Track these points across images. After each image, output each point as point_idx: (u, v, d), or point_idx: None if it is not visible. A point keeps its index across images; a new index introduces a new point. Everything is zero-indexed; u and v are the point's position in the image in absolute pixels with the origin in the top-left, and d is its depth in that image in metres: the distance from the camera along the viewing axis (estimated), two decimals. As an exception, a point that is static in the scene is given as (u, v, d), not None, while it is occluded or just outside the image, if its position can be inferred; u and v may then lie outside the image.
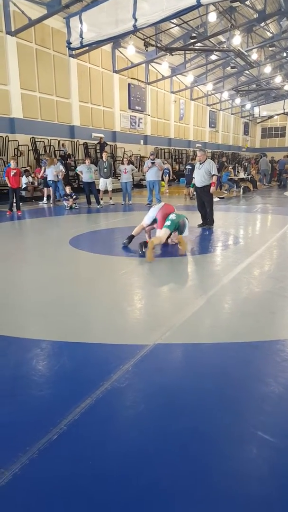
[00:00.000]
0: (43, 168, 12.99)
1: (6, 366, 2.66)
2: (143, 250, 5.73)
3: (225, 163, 17.64)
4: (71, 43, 15.33)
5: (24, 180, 14.02)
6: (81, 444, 1.88)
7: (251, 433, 1.96)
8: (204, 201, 8.01)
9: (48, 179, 12.73)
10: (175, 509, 1.55)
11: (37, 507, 1.56)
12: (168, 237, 5.98)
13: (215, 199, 13.78)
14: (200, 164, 7.86)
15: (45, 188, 13.33)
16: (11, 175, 10.09)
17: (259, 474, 1.73)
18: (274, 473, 1.74)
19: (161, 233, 5.94)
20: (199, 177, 7.83)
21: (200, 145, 31.55)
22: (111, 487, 1.64)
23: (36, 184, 14.49)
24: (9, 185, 10.35)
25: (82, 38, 14.74)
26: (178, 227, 5.95)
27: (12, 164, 10.24)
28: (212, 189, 7.80)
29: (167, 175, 17.58)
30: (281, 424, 2.05)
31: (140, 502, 1.58)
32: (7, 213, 10.39)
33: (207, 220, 8.06)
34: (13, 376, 2.51)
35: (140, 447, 1.88)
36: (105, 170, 12.36)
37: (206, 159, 7.88)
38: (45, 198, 13.33)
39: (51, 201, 12.82)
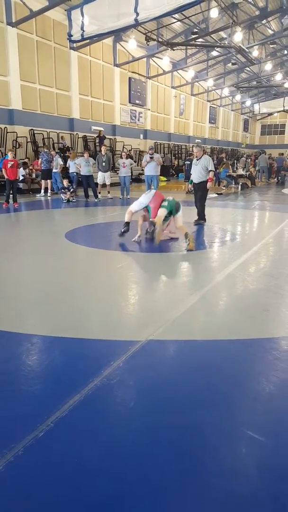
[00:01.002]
0: (40, 160, 12.89)
1: (-4, 360, 2.63)
2: (123, 231, 6.39)
3: (224, 159, 17.57)
4: (72, 36, 15.19)
5: (21, 172, 13.92)
6: (68, 441, 1.85)
7: (240, 431, 1.94)
8: (196, 195, 8.06)
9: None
10: (165, 503, 1.52)
11: (22, 504, 1.53)
12: (166, 224, 6.10)
13: (213, 195, 13.82)
14: (197, 160, 7.84)
15: (43, 181, 13.23)
16: (8, 166, 10.00)
17: (247, 471, 1.71)
18: (262, 471, 1.72)
19: (160, 213, 5.98)
20: (196, 173, 7.83)
21: (199, 140, 31.47)
22: (99, 484, 1.62)
23: (33, 176, 14.39)
24: (6, 177, 10.27)
25: (83, 31, 14.61)
26: (173, 209, 6.01)
27: (10, 155, 10.15)
28: (209, 184, 7.79)
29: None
30: (271, 423, 2.03)
31: (129, 497, 1.55)
32: (4, 205, 10.31)
33: (199, 216, 8.08)
34: (1, 371, 2.48)
35: (129, 444, 1.85)
36: (104, 163, 12.29)
37: (202, 155, 7.86)
38: (42, 191, 13.24)
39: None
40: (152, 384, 2.34)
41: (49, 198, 12.87)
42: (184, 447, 1.84)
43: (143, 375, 2.45)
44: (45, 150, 13.14)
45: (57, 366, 2.53)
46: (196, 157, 7.87)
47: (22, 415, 2.04)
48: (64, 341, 2.89)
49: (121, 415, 2.07)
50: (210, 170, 7.71)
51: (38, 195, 13.24)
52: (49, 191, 13.21)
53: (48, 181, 13.13)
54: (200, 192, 7.91)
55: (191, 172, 8.20)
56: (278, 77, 27.81)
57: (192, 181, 8.13)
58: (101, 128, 19.73)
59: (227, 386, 2.35)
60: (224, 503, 1.55)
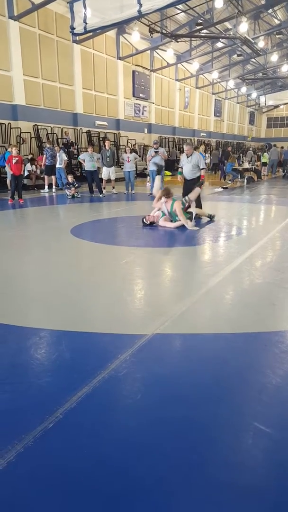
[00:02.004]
0: (44, 156, 12.88)
1: (4, 354, 2.67)
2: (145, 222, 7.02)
3: (230, 152, 17.45)
4: (74, 29, 15.07)
5: (28, 167, 13.95)
6: (77, 433, 1.88)
7: (247, 424, 1.96)
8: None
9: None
10: (172, 497, 1.55)
11: (32, 495, 1.56)
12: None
13: (218, 189, 13.76)
14: (188, 157, 7.90)
15: (46, 177, 13.25)
16: (13, 162, 10.01)
17: (255, 464, 1.72)
18: (269, 463, 1.74)
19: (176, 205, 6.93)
20: (188, 171, 7.93)
21: (205, 134, 31.27)
22: (107, 476, 1.64)
23: (38, 172, 14.41)
24: (10, 172, 10.28)
25: (86, 24, 14.48)
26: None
27: (14, 151, 10.14)
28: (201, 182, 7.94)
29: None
30: (278, 415, 2.04)
31: (136, 489, 1.58)
32: (9, 201, 10.35)
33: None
34: (11, 364, 2.51)
35: (136, 436, 1.88)
36: (108, 159, 12.26)
37: (193, 152, 7.94)
38: (46, 187, 13.26)
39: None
40: (159, 377, 2.37)
41: (53, 194, 12.90)
42: (191, 440, 1.86)
43: (150, 368, 2.47)
44: (48, 145, 13.12)
45: (65, 359, 2.56)
46: (187, 154, 7.93)
47: (32, 407, 2.07)
48: (71, 335, 2.92)
49: (128, 407, 2.09)
50: (202, 168, 7.84)
51: (42, 191, 13.27)
52: (53, 187, 13.23)
53: (52, 176, 13.13)
54: (192, 188, 7.96)
55: (180, 166, 8.33)
56: (285, 68, 27.41)
57: (181, 172, 8.25)
58: (105, 123, 19.68)
59: (234, 379, 2.37)
60: (231, 495, 1.57)
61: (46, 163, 12.83)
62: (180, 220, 6.87)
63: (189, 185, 7.98)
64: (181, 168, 8.23)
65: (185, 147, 8.11)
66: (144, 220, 7.05)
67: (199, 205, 7.96)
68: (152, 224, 7.02)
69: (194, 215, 7.16)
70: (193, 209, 7.27)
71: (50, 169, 12.95)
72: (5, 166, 10.89)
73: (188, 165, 7.88)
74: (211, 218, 7.68)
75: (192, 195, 7.29)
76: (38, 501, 1.54)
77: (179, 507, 1.51)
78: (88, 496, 1.55)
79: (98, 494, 1.56)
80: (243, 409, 2.09)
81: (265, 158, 21.21)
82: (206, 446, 1.82)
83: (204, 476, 1.65)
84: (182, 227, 6.82)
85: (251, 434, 1.89)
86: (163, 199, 7.02)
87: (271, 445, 1.84)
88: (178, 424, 1.95)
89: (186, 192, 7.99)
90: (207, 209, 8.20)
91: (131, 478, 1.64)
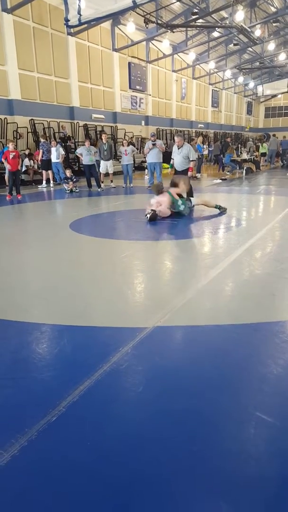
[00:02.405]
0: (41, 151, 12.82)
1: (6, 349, 2.68)
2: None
3: (229, 143, 17.34)
4: (69, 21, 14.95)
5: (26, 162, 13.90)
6: (80, 426, 1.90)
7: (249, 414, 1.97)
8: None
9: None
10: (175, 488, 1.56)
11: (36, 489, 1.58)
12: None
13: (217, 181, 13.72)
14: (179, 148, 7.96)
15: (44, 172, 13.20)
16: (10, 157, 9.95)
17: (257, 453, 1.74)
18: (272, 452, 1.75)
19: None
20: (178, 162, 8.01)
21: (202, 125, 31.08)
22: (110, 468, 1.66)
23: (36, 167, 14.35)
24: (8, 168, 10.23)
25: (81, 15, 14.36)
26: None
27: (11, 146, 10.07)
28: (190, 173, 8.04)
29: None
30: (279, 405, 2.06)
31: (139, 481, 1.59)
32: (7, 197, 10.32)
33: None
34: (13, 359, 2.53)
35: (138, 428, 1.89)
36: (105, 152, 12.19)
37: (183, 144, 8.02)
38: (44, 182, 13.22)
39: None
40: (160, 369, 2.38)
41: (51, 188, 12.85)
42: (193, 431, 1.87)
43: (151, 360, 2.48)
44: (43, 140, 13.04)
45: (66, 353, 2.57)
46: (178, 146, 7.98)
47: (35, 401, 2.08)
48: (72, 329, 2.93)
49: (130, 399, 2.11)
50: (192, 160, 7.94)
51: (40, 186, 13.22)
52: (51, 181, 13.18)
53: (49, 171, 13.09)
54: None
55: (172, 157, 8.41)
56: (282, 56, 27.16)
57: (172, 165, 8.37)
58: (102, 116, 19.55)
59: (235, 370, 2.38)
60: (234, 484, 1.58)
61: (43, 158, 12.77)
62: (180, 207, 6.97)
63: (179, 176, 8.04)
64: (173, 159, 8.31)
65: (176, 139, 8.16)
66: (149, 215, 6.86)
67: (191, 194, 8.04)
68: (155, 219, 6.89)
69: (192, 204, 7.24)
70: (194, 200, 7.38)
71: (47, 164, 12.90)
72: (2, 162, 10.83)
73: (179, 157, 7.95)
74: (220, 209, 7.44)
75: (185, 188, 7.35)
76: (41, 494, 1.55)
77: (182, 497, 1.53)
78: (91, 488, 1.56)
79: (101, 486, 1.57)
80: (245, 399, 2.10)
81: (264, 148, 21.12)
82: (208, 436, 1.84)
83: (206, 467, 1.66)
84: (179, 217, 6.85)
85: (253, 424, 1.91)
86: (158, 196, 7.07)
87: (273, 435, 1.85)
88: (180, 416, 1.97)
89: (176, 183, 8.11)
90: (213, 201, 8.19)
91: (134, 469, 1.65)
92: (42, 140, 13.06)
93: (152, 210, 6.82)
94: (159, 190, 7.16)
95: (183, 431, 1.86)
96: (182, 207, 7.02)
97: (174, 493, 1.54)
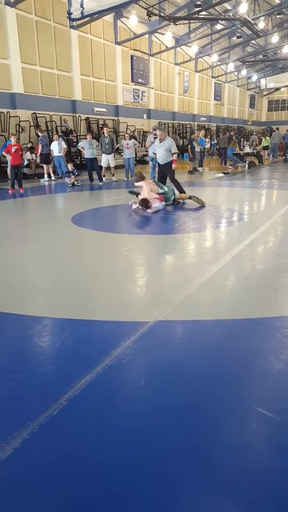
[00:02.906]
0: (40, 145, 12.75)
1: (8, 342, 2.69)
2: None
3: (233, 137, 17.21)
4: (71, 14, 14.87)
5: (27, 156, 13.86)
6: (82, 419, 1.91)
7: (251, 409, 1.97)
8: (167, 176, 8.34)
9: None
10: (176, 482, 1.57)
11: (37, 481, 1.59)
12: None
13: (219, 175, 13.66)
14: (160, 142, 8.11)
15: (45, 166, 13.16)
16: (13, 151, 9.92)
17: (259, 449, 1.74)
18: (273, 448, 1.76)
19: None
20: (160, 155, 8.14)
21: (205, 118, 30.87)
22: (111, 461, 1.67)
23: (38, 161, 14.29)
24: (10, 161, 10.20)
25: (83, 8, 14.28)
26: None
27: (13, 140, 10.03)
28: (174, 166, 8.12)
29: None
30: (281, 400, 2.06)
31: (141, 475, 1.60)
32: (10, 191, 10.30)
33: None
34: (15, 353, 2.54)
35: (140, 422, 1.90)
36: (107, 146, 12.12)
37: (165, 137, 8.17)
38: (46, 175, 13.20)
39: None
40: (161, 364, 2.38)
41: (53, 182, 12.83)
42: (194, 425, 1.87)
43: (152, 354, 2.48)
44: (41, 134, 12.97)
45: (68, 346, 2.58)
46: (160, 139, 8.14)
47: (36, 394, 2.09)
48: (73, 323, 2.93)
49: (132, 393, 2.11)
50: (174, 153, 8.07)
51: (42, 180, 13.21)
52: (52, 175, 13.16)
53: (50, 165, 13.08)
54: (169, 173, 8.25)
55: (154, 152, 8.64)
56: (286, 49, 26.81)
57: (153, 159, 8.69)
58: (104, 109, 19.44)
59: (237, 364, 2.38)
60: (235, 479, 1.59)
61: (42, 152, 12.73)
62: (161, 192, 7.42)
63: (162, 169, 8.33)
64: (154, 154, 8.53)
65: (158, 132, 8.34)
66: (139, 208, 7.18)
67: (180, 188, 8.22)
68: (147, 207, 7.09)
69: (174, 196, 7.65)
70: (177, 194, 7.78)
71: (46, 158, 12.89)
72: (5, 156, 10.82)
73: (161, 150, 8.10)
74: (190, 198, 7.81)
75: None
76: (43, 487, 1.56)
77: (183, 491, 1.53)
78: (93, 482, 1.57)
79: (103, 479, 1.58)
80: (246, 394, 2.10)
81: (266, 141, 21.00)
82: (210, 431, 1.84)
83: (207, 461, 1.67)
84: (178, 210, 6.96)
85: (254, 419, 1.91)
86: (142, 183, 7.37)
87: (274, 430, 1.85)
88: (181, 410, 1.97)
89: (161, 175, 8.38)
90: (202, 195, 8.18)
91: (135, 463, 1.66)
92: (40, 134, 13.00)
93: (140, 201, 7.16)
94: (142, 176, 7.60)
95: (184, 426, 1.86)
96: (165, 189, 7.40)
97: (175, 487, 1.55)
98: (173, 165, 8.11)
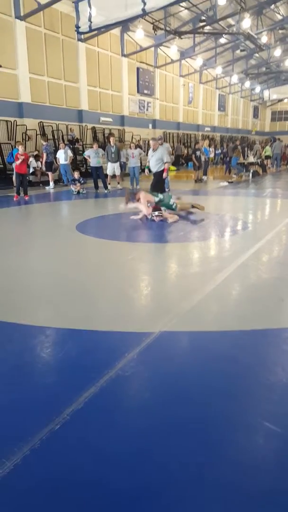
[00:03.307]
0: (45, 153, 12.84)
1: (11, 353, 2.64)
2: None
3: (238, 146, 17.25)
4: (79, 27, 15.18)
5: (33, 164, 13.96)
6: (84, 434, 1.85)
7: (258, 423, 1.91)
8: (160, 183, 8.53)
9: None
10: (182, 497, 1.51)
11: (38, 498, 1.53)
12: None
13: (224, 184, 13.67)
14: (153, 151, 8.41)
15: (50, 173, 13.23)
16: (20, 161, 9.95)
17: (266, 464, 1.68)
18: (281, 463, 1.69)
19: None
20: (153, 164, 8.44)
21: (209, 128, 31.04)
22: (115, 476, 1.61)
23: (44, 168, 14.37)
24: (16, 169, 10.23)
25: (91, 22, 14.56)
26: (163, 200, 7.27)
27: (20, 149, 10.09)
28: (164, 174, 8.43)
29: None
30: (289, 415, 1.99)
31: (145, 490, 1.55)
32: (15, 198, 10.33)
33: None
34: (16, 364, 2.49)
35: (144, 436, 1.84)
36: (113, 155, 12.20)
37: (158, 147, 8.48)
38: (52, 183, 13.29)
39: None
40: (166, 376, 2.32)
41: (52, 190, 12.90)
42: (200, 439, 1.82)
43: (157, 366, 2.43)
44: (45, 142, 13.06)
45: (71, 358, 2.53)
46: (153, 149, 8.44)
47: (38, 407, 2.04)
48: (77, 333, 2.89)
49: (136, 407, 2.06)
50: (166, 162, 8.34)
51: (47, 187, 13.29)
52: (51, 183, 13.28)
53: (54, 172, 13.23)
54: (155, 179, 8.53)
55: (148, 160, 8.83)
56: (288, 62, 27.17)
57: (148, 167, 8.80)
58: (110, 119, 19.61)
59: (243, 377, 2.32)
60: (242, 495, 1.53)
61: (47, 160, 12.85)
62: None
63: (154, 177, 8.56)
64: (148, 162, 8.67)
65: (151, 142, 8.63)
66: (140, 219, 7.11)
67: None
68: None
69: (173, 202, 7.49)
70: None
71: (50, 166, 12.99)
72: (13, 163, 10.88)
73: (153, 159, 8.38)
74: (194, 207, 7.67)
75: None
76: (45, 504, 1.51)
77: (188, 508, 1.47)
78: (96, 497, 1.51)
79: (106, 495, 1.52)
80: (253, 408, 2.04)
81: (267, 151, 21.09)
82: (216, 445, 1.78)
83: (213, 477, 1.61)
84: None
85: (261, 434, 1.85)
86: (141, 194, 7.21)
87: (282, 445, 1.79)
88: (186, 424, 1.91)
89: (153, 183, 8.55)
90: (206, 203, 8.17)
91: (140, 478, 1.60)
92: (44, 142, 13.08)
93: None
94: (134, 195, 7.42)
95: (189, 440, 1.81)
96: (160, 196, 7.25)
97: (180, 503, 1.49)
98: (164, 174, 8.37)
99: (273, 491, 1.56)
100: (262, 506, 1.49)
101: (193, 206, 7.69)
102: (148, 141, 21.60)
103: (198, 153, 14.16)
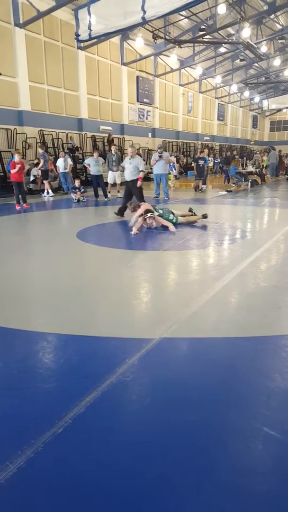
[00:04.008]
0: (42, 161, 12.89)
1: (12, 358, 2.68)
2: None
3: (235, 156, 17.44)
4: (79, 35, 15.28)
5: (33, 172, 14.03)
6: (86, 438, 1.88)
7: (256, 429, 1.95)
8: (132, 193, 8.53)
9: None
10: (182, 502, 1.54)
11: (42, 500, 1.56)
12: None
13: (223, 193, 13.77)
14: (130, 159, 8.38)
15: (46, 181, 13.20)
16: (16, 169, 9.91)
17: (265, 469, 1.72)
18: (280, 468, 1.73)
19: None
20: (129, 172, 8.38)
21: (208, 137, 31.31)
22: (116, 481, 1.64)
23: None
24: (13, 177, 10.16)
25: (91, 30, 14.67)
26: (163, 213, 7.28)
27: (17, 158, 9.99)
28: (139, 183, 8.41)
29: (173, 169, 17.65)
30: (287, 420, 2.03)
31: (146, 495, 1.58)
32: (17, 206, 10.33)
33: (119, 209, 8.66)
34: (19, 369, 2.52)
35: (145, 441, 1.88)
36: (114, 163, 12.30)
37: (135, 155, 8.48)
38: (50, 191, 13.23)
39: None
40: (167, 382, 2.36)
41: (51, 198, 12.91)
42: (200, 445, 1.85)
43: (158, 372, 2.47)
44: (42, 150, 13.10)
45: (73, 363, 2.57)
46: (131, 156, 8.41)
47: (41, 412, 2.07)
48: (78, 339, 2.93)
49: (137, 412, 2.09)
50: (141, 171, 8.34)
51: (43, 195, 13.22)
52: (50, 190, 13.31)
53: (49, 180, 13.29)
54: (135, 190, 8.46)
55: (123, 166, 8.72)
56: (287, 72, 27.50)
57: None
58: (110, 128, 19.76)
59: (242, 383, 2.36)
60: (242, 501, 1.56)
61: (42, 168, 12.86)
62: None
63: (129, 185, 8.51)
64: (122, 169, 8.63)
65: (130, 149, 8.61)
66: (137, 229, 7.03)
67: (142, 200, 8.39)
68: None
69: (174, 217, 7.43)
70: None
71: (47, 174, 13.04)
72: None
73: (130, 167, 8.34)
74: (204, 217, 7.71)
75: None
76: (48, 507, 1.54)
77: (188, 511, 1.51)
78: (98, 501, 1.54)
79: (107, 498, 1.56)
80: (252, 414, 2.08)
81: (265, 161, 21.35)
82: (215, 451, 1.82)
83: (213, 482, 1.64)
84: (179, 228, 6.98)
85: (260, 440, 1.89)
86: (138, 212, 7.23)
87: (280, 450, 1.83)
88: (186, 429, 1.95)
89: (127, 192, 8.57)
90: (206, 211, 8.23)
91: (140, 483, 1.63)
92: (41, 150, 13.11)
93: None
94: (134, 207, 7.47)
95: (190, 445, 1.84)
96: (160, 211, 7.29)
97: (180, 507, 1.52)
98: (139, 183, 8.37)
99: (271, 495, 1.59)
100: (261, 510, 1.53)
101: (194, 214, 7.78)
102: (148, 150, 21.92)
103: (201, 162, 14.29)
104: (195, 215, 7.82)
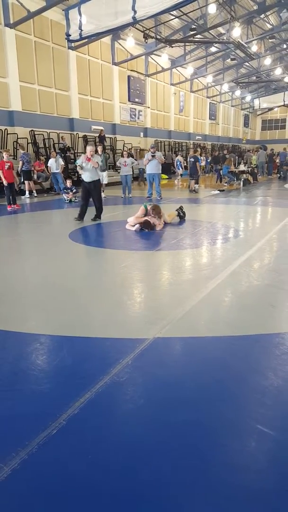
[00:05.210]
0: (21, 162, 12.73)
1: (5, 360, 2.66)
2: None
3: (226, 156, 17.51)
4: (70, 35, 15.20)
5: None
6: (81, 439, 1.88)
7: (250, 426, 1.96)
8: (91, 196, 8.17)
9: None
10: (177, 500, 1.55)
11: (36, 502, 1.56)
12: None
13: (215, 192, 13.81)
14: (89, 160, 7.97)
15: (26, 182, 13.00)
16: (5, 168, 9.85)
17: (258, 466, 1.73)
18: (273, 466, 1.74)
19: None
20: (88, 173, 7.85)
21: (200, 137, 31.40)
22: (111, 481, 1.64)
23: (35, 177, 14.38)
24: (3, 180, 10.07)
25: (81, 30, 14.61)
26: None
27: (5, 156, 9.88)
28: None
29: (180, 168, 18.87)
30: (281, 417, 2.05)
31: (141, 494, 1.58)
32: (8, 207, 10.26)
33: (96, 213, 8.37)
34: (12, 371, 2.51)
35: (140, 441, 1.88)
36: (101, 163, 12.25)
37: (94, 155, 8.08)
38: (27, 192, 13.00)
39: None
40: (161, 381, 2.37)
41: (35, 199, 12.78)
42: (194, 443, 1.86)
43: (152, 372, 2.47)
44: (22, 151, 12.94)
45: (66, 364, 2.56)
46: (90, 156, 7.94)
47: (35, 413, 2.07)
48: (72, 340, 2.92)
49: (131, 412, 2.09)
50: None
51: (23, 197, 12.86)
52: (33, 191, 13.18)
53: (31, 181, 13.18)
54: (95, 193, 8.14)
55: (79, 165, 8.23)
56: (278, 71, 27.68)
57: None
58: (102, 128, 19.72)
59: (236, 381, 2.38)
60: (235, 498, 1.57)
61: (23, 169, 12.65)
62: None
63: (88, 187, 7.99)
64: (82, 169, 7.94)
65: (88, 148, 8.00)
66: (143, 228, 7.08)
67: (99, 211, 8.33)
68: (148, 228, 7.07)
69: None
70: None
71: (27, 174, 12.88)
72: None
73: (88, 167, 7.86)
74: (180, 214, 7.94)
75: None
76: (42, 508, 1.53)
77: (184, 510, 1.51)
78: (93, 502, 1.54)
79: (102, 499, 1.55)
80: (246, 412, 2.09)
81: (254, 160, 21.51)
82: (210, 449, 1.83)
83: (208, 480, 1.65)
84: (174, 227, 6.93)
85: (254, 437, 1.90)
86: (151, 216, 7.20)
87: (274, 448, 1.84)
88: (181, 428, 1.95)
89: (85, 193, 8.15)
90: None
91: (136, 483, 1.63)
92: (22, 151, 12.98)
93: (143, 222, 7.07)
94: (158, 212, 7.31)
95: (184, 444, 1.85)
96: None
97: (176, 506, 1.53)
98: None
99: (265, 491, 1.60)
100: (254, 507, 1.54)
101: (179, 214, 7.95)
102: (140, 150, 21.92)
103: (192, 160, 14.29)
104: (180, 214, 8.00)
